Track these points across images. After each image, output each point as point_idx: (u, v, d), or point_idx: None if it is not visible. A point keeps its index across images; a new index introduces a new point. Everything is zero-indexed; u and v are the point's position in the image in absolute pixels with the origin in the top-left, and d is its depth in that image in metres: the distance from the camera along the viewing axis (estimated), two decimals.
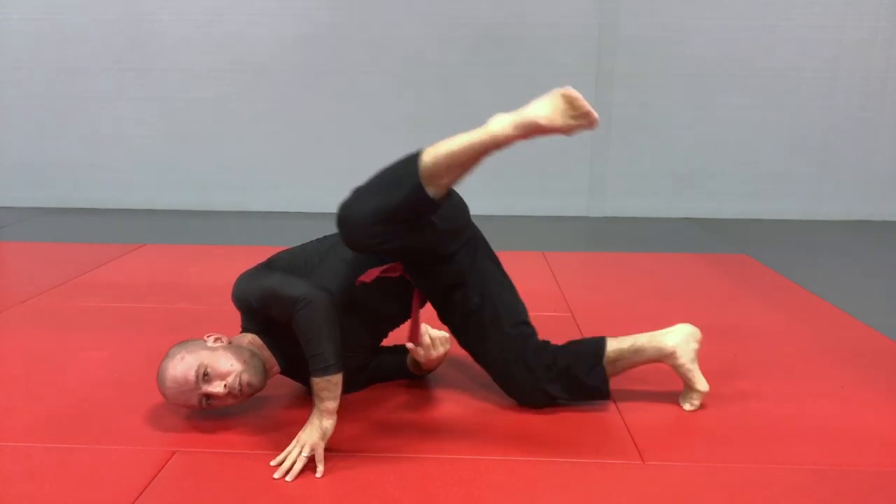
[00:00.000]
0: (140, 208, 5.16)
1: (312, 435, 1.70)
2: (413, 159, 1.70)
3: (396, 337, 2.22)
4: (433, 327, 2.06)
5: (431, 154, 1.68)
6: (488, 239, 2.11)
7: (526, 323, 2.01)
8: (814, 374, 2.29)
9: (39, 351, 2.44)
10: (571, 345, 2.03)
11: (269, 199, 5.15)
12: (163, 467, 1.70)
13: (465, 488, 1.62)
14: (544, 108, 1.64)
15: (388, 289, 1.95)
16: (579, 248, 4.20)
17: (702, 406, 2.03)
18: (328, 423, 1.71)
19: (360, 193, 1.74)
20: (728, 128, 4.93)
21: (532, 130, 1.65)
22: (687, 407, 2.03)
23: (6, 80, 5.03)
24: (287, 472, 1.66)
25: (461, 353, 2.10)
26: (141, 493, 1.59)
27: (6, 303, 2.93)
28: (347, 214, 1.72)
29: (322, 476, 1.66)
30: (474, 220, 2.05)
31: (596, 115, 1.64)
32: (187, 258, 3.74)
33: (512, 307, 2.00)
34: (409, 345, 2.01)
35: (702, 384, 2.00)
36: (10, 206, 5.15)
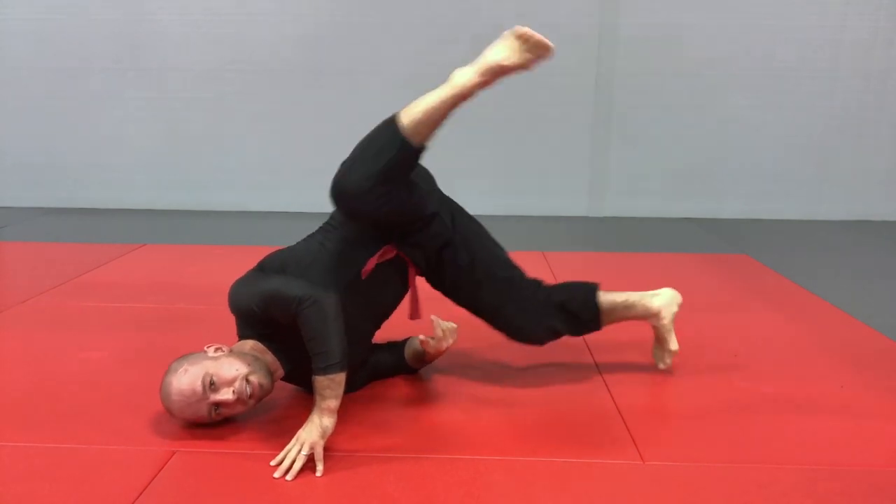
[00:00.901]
0: (140, 208, 5.16)
1: (312, 433, 1.70)
2: (391, 123, 1.83)
3: (391, 331, 2.22)
4: (433, 314, 2.09)
5: (408, 116, 1.82)
6: None
7: (513, 266, 2.12)
8: (814, 374, 2.29)
9: (39, 351, 2.44)
10: (564, 284, 2.19)
11: (269, 199, 5.14)
12: (163, 467, 1.70)
13: (465, 488, 1.62)
14: (501, 50, 1.81)
15: (381, 276, 1.97)
16: (579, 248, 4.19)
17: (701, 406, 2.04)
18: (328, 421, 1.71)
19: (348, 165, 1.86)
20: (728, 128, 4.93)
21: (496, 73, 1.81)
22: (661, 366, 2.23)
23: (6, 80, 5.03)
24: (287, 472, 1.66)
25: (461, 351, 2.10)
26: (141, 493, 1.59)
27: (6, 303, 2.93)
28: (344, 184, 1.84)
29: (322, 476, 1.66)
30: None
31: (550, 43, 1.78)
32: (187, 258, 3.73)
33: (498, 255, 2.12)
34: (421, 337, 2.07)
35: (674, 344, 2.18)
36: (10, 206, 5.15)
